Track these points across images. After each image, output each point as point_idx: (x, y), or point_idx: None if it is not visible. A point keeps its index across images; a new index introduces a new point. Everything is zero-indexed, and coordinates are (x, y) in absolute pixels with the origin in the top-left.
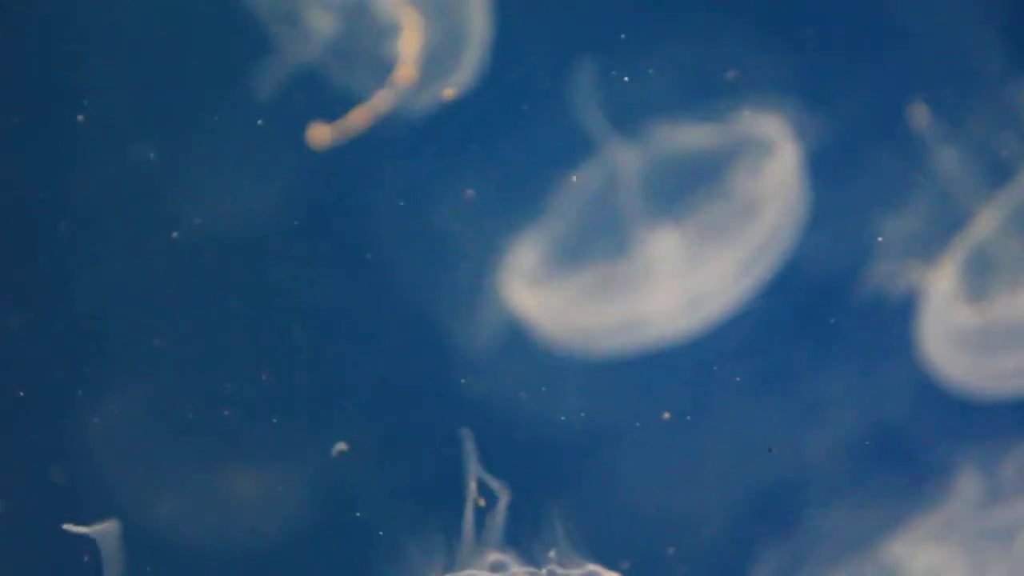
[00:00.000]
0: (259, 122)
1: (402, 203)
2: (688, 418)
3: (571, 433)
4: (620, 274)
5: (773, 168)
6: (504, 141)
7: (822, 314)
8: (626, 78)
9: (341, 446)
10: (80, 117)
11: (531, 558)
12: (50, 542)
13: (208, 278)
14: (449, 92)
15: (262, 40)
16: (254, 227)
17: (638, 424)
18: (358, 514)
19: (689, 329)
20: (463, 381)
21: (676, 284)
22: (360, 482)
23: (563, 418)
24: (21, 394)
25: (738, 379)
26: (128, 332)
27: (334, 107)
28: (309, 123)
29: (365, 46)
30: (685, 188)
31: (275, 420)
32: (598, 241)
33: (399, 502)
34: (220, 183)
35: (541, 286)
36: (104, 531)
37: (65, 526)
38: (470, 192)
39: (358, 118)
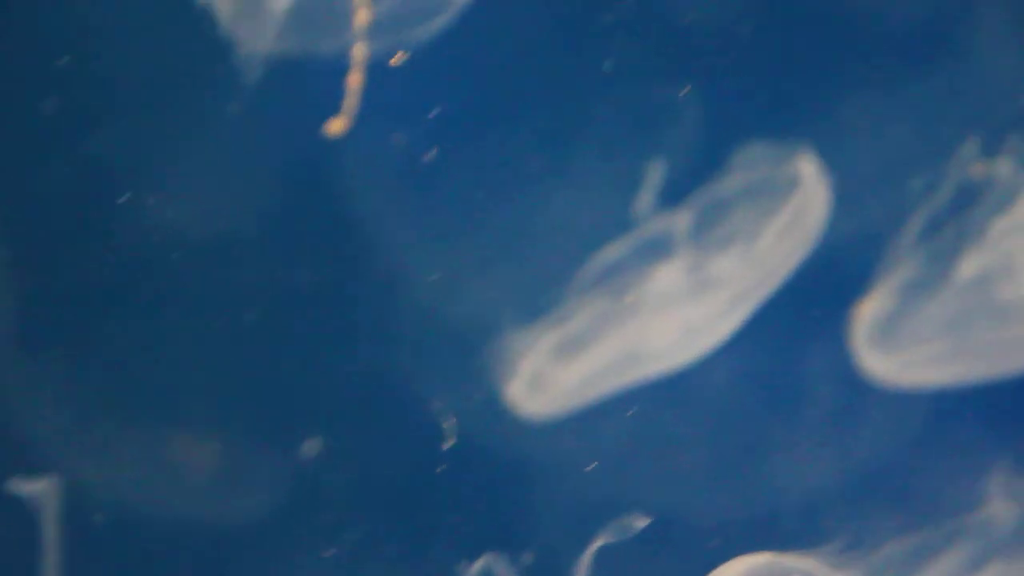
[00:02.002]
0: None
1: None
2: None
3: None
4: (617, 309)
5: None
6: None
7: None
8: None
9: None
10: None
11: None
12: None
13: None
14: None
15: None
16: (234, 222)
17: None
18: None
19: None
20: (447, 425)
21: (675, 316)
22: (331, 481)
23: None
24: None
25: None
26: (101, 322)
27: (307, 82)
28: (284, 107)
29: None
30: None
31: (247, 407)
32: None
33: (369, 505)
34: (200, 179)
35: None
36: (44, 490)
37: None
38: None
39: (354, 84)
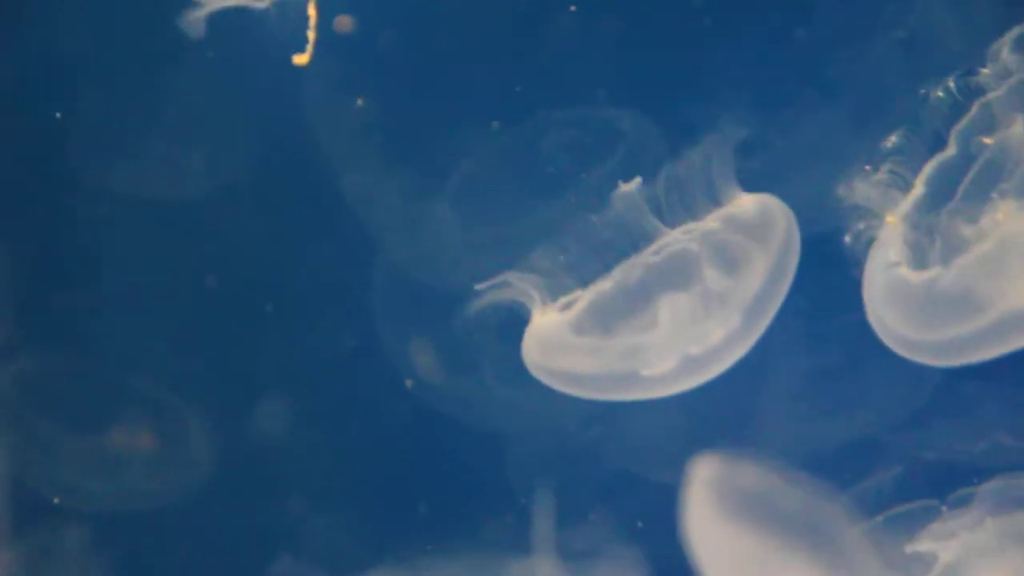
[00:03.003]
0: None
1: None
2: None
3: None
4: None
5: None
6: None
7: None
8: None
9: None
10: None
11: None
12: None
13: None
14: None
15: None
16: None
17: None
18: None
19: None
20: (408, 383)
21: (676, 347)
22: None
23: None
24: None
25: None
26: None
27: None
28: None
29: None
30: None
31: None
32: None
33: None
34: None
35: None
36: None
37: None
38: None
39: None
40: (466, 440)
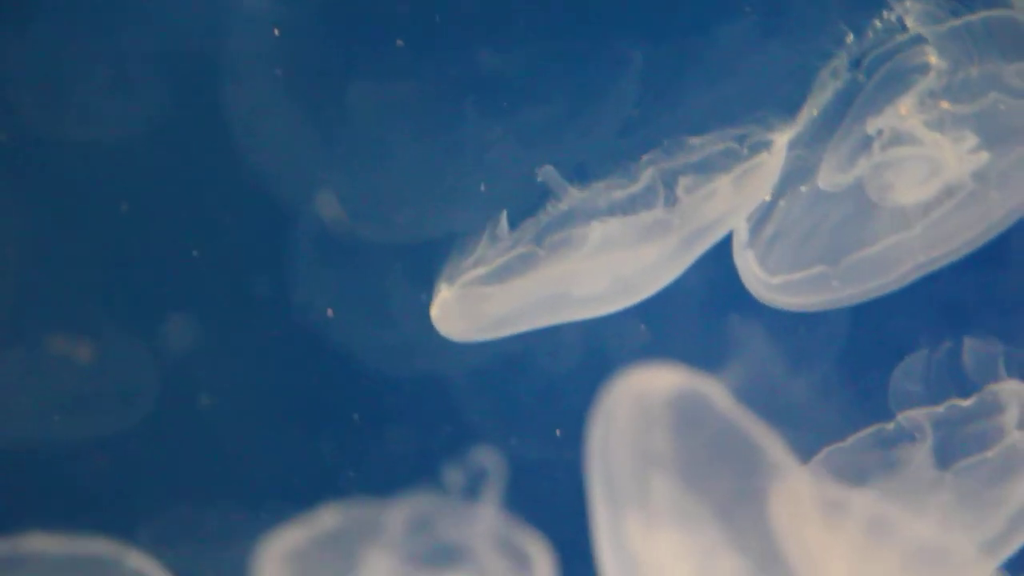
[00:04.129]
0: None
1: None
2: None
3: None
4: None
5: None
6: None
7: None
8: None
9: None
10: None
11: None
12: None
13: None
14: None
15: None
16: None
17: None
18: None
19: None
20: (329, 312)
21: (607, 267)
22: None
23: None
24: None
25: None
26: None
27: None
28: None
29: None
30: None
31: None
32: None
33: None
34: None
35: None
36: None
37: None
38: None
39: None
40: (389, 360)
